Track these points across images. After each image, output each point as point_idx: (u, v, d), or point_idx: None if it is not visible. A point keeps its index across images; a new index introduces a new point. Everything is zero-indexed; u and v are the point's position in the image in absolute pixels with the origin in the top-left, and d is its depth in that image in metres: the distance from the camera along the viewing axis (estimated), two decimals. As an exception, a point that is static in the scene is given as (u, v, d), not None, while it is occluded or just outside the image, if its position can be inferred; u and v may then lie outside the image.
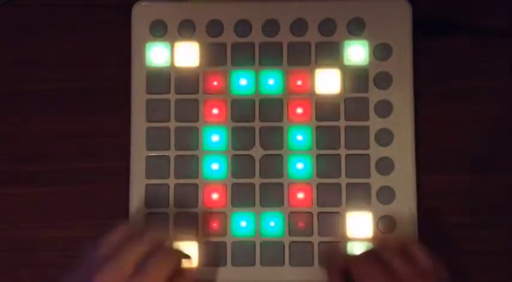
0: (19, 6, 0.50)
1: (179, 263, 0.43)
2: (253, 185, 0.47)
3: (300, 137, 0.47)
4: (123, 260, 0.40)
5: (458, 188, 0.48)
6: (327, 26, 0.48)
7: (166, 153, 0.47)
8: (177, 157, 0.47)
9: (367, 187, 0.47)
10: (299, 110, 0.47)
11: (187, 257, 0.45)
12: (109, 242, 0.41)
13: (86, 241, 0.42)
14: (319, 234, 0.46)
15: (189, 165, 0.47)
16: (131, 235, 0.41)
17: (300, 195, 0.47)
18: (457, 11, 0.49)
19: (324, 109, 0.47)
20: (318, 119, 0.47)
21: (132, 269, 0.40)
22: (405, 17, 0.48)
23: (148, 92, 0.48)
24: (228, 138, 0.47)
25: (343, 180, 0.47)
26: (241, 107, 0.48)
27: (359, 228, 0.46)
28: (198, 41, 0.48)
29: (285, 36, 0.48)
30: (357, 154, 0.47)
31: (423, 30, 0.48)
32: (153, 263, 0.40)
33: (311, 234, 0.46)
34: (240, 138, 0.47)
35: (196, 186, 0.47)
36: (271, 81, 0.48)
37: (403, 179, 0.47)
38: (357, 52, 0.48)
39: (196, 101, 0.48)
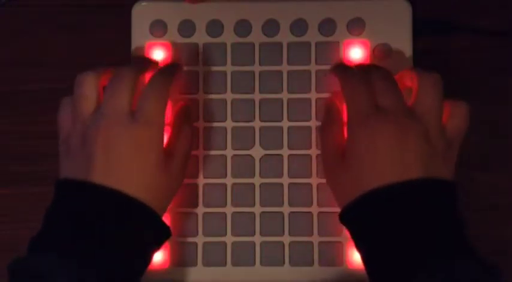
0: (19, 6, 0.50)
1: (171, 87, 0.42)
2: (253, 185, 0.47)
3: (300, 137, 0.47)
4: (117, 99, 0.39)
5: (458, 188, 0.48)
6: (327, 26, 0.48)
7: (166, 153, 0.47)
8: (177, 157, 0.47)
9: (367, 187, 0.47)
10: (299, 110, 0.47)
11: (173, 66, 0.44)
12: (86, 91, 0.41)
13: (60, 104, 0.42)
14: (319, 234, 0.46)
15: (189, 165, 0.47)
16: (110, 77, 0.41)
17: (300, 195, 0.47)
18: (457, 11, 0.49)
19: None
20: (318, 119, 0.47)
21: (129, 106, 0.39)
22: (405, 17, 0.48)
23: (148, 92, 0.48)
24: (228, 138, 0.47)
25: (343, 180, 0.47)
26: (241, 106, 0.48)
27: (359, 228, 0.47)
28: (197, 41, 0.48)
29: (285, 36, 0.48)
30: (357, 154, 0.47)
31: (423, 30, 0.48)
32: (148, 97, 0.40)
33: (311, 234, 0.47)
34: (240, 138, 0.47)
35: (196, 186, 0.47)
36: (271, 81, 0.48)
37: (403, 179, 0.47)
38: (357, 52, 0.48)
39: (196, 101, 0.48)
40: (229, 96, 0.48)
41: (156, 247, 0.41)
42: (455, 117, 0.41)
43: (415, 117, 0.40)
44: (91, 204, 0.38)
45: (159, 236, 0.41)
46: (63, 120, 0.42)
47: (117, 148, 0.39)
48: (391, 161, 0.38)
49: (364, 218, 0.39)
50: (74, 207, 0.38)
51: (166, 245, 0.46)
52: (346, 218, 0.41)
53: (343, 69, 0.44)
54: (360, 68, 0.44)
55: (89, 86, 0.41)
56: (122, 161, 0.39)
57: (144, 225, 0.39)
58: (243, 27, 0.48)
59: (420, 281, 0.36)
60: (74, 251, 0.37)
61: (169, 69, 0.44)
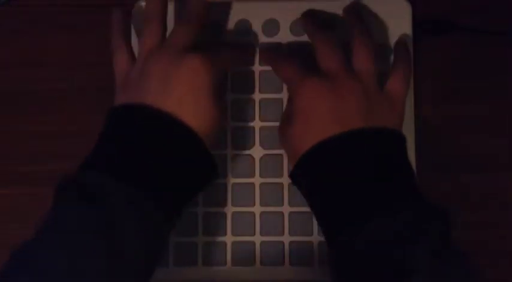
0: (19, 6, 0.50)
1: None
2: (253, 185, 0.47)
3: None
4: (180, 36, 0.41)
5: (458, 188, 0.48)
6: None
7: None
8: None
9: (367, 187, 0.47)
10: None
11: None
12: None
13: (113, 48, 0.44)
14: (319, 234, 0.46)
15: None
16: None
17: (300, 195, 0.47)
18: (457, 11, 0.49)
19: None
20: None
21: (189, 43, 0.41)
22: (405, 17, 0.48)
23: (148, 92, 0.48)
24: (228, 138, 0.47)
25: (343, 180, 0.47)
26: (241, 106, 0.48)
27: (359, 228, 0.46)
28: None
29: (285, 36, 0.48)
30: (357, 154, 0.47)
31: (423, 30, 0.48)
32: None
33: (311, 234, 0.46)
34: (240, 138, 0.47)
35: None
36: (271, 82, 0.48)
37: (403, 179, 0.47)
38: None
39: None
40: (229, 96, 0.48)
41: (202, 184, 0.42)
42: (394, 79, 0.43)
43: (354, 76, 0.41)
44: (146, 127, 0.39)
45: (208, 170, 0.41)
46: (120, 62, 0.43)
47: (173, 76, 0.40)
48: (331, 116, 0.40)
49: (312, 173, 0.40)
50: (127, 131, 0.39)
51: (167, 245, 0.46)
52: (296, 179, 0.42)
53: (312, 26, 0.45)
54: (316, 23, 0.45)
55: (157, 25, 0.42)
56: (176, 87, 0.39)
57: (195, 156, 0.40)
58: (243, 27, 0.48)
59: (376, 223, 0.37)
60: (128, 174, 0.38)
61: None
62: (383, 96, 0.42)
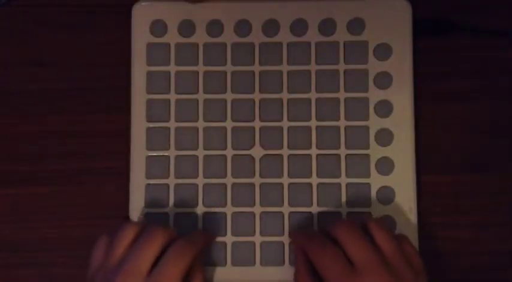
0: (19, 6, 0.50)
1: (195, 256, 0.42)
2: (253, 185, 0.47)
3: (300, 137, 0.47)
4: (139, 259, 0.40)
5: (458, 188, 0.48)
6: (327, 26, 0.48)
7: (166, 153, 0.47)
8: (177, 157, 0.47)
9: (367, 187, 0.47)
10: (299, 110, 0.47)
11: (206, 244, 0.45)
12: (121, 240, 0.41)
13: (97, 241, 0.42)
14: (319, 234, 0.46)
15: (189, 165, 0.47)
16: (142, 233, 0.41)
17: (300, 195, 0.47)
18: (457, 11, 0.49)
19: (324, 109, 0.47)
20: (317, 119, 0.47)
21: (149, 267, 0.40)
22: (405, 17, 0.48)
23: (148, 92, 0.48)
24: (228, 138, 0.47)
25: (343, 180, 0.47)
26: (241, 106, 0.48)
27: (359, 228, 0.46)
28: (198, 41, 0.48)
29: (285, 36, 0.48)
30: (356, 154, 0.47)
31: (423, 30, 0.48)
32: (168, 261, 0.40)
33: (311, 234, 0.47)
34: (240, 138, 0.47)
35: (196, 186, 0.47)
36: (271, 81, 0.48)
37: (403, 179, 0.47)
38: (356, 52, 0.48)
39: (196, 101, 0.48)
40: (229, 96, 0.48)
41: None
42: (409, 251, 0.42)
43: (388, 264, 0.40)
44: None
45: None
46: (95, 258, 0.42)
47: None
48: None
49: None
50: None
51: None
52: None
53: (305, 237, 0.44)
54: (320, 230, 0.44)
55: (126, 239, 0.41)
56: None
57: None
58: (243, 27, 0.48)
59: None
60: None
61: (197, 238, 0.44)
62: (413, 273, 0.40)
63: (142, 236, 0.41)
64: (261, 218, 0.47)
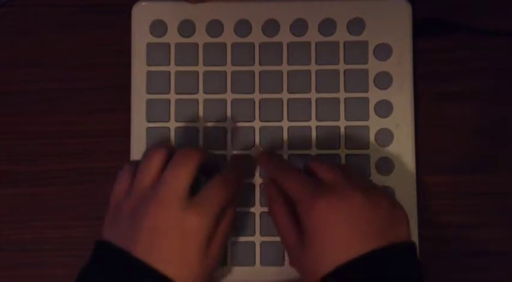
0: (19, 6, 0.50)
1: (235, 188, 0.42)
2: (253, 185, 0.47)
3: (299, 137, 0.47)
4: (178, 181, 0.39)
5: (458, 188, 0.48)
6: (327, 26, 0.48)
7: (166, 153, 0.47)
8: (177, 157, 0.47)
9: (367, 187, 0.47)
10: (299, 110, 0.47)
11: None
12: (150, 166, 0.40)
13: (120, 170, 0.42)
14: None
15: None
16: (175, 155, 0.40)
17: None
18: (457, 11, 0.49)
19: (324, 109, 0.47)
20: (318, 119, 0.47)
21: (188, 192, 0.39)
22: (405, 17, 0.48)
23: (148, 92, 0.48)
24: (228, 138, 0.47)
25: (343, 180, 0.47)
26: (241, 106, 0.48)
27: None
28: (198, 41, 0.48)
29: (285, 36, 0.48)
30: (357, 154, 0.47)
31: (423, 30, 0.48)
32: (212, 186, 0.40)
33: (311, 234, 0.46)
34: (240, 138, 0.47)
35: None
36: (271, 81, 0.48)
37: (403, 179, 0.47)
38: (356, 52, 0.48)
39: (196, 101, 0.48)
40: (229, 96, 0.48)
41: None
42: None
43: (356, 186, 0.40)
44: (129, 277, 0.38)
45: None
46: (119, 190, 0.41)
47: (163, 230, 0.38)
48: (350, 234, 0.38)
49: None
50: (111, 276, 0.38)
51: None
52: None
53: (273, 162, 0.45)
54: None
55: (157, 162, 0.40)
56: (166, 243, 0.38)
57: None
58: (243, 27, 0.48)
59: None
60: None
61: (232, 178, 0.43)
62: (386, 199, 0.41)
63: (176, 158, 0.40)
64: (261, 218, 0.47)
